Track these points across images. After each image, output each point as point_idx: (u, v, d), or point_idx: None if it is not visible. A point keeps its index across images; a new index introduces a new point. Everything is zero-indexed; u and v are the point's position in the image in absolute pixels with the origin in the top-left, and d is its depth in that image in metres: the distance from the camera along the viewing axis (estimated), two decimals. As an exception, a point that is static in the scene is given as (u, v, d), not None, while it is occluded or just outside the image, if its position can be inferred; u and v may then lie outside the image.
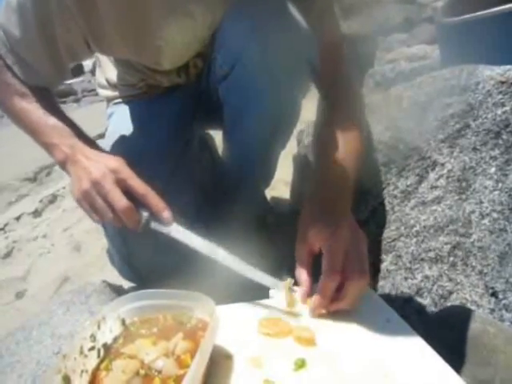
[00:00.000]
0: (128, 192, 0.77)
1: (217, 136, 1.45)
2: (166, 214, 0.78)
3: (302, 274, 0.76)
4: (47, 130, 0.86)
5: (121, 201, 0.75)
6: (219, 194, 1.29)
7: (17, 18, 0.82)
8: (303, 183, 1.42)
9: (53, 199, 2.46)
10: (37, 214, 2.32)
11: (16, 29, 0.83)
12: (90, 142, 0.87)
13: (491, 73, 1.02)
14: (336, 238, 0.72)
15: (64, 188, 2.57)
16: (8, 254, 1.93)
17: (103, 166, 0.78)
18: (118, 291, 1.06)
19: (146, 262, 1.04)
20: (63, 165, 0.85)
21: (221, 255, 0.77)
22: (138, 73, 1.15)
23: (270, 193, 1.40)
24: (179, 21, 0.91)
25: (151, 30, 0.90)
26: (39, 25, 0.82)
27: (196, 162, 1.22)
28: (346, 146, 0.89)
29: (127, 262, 1.07)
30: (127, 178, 0.77)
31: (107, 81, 1.24)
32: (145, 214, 0.78)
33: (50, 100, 0.92)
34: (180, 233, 0.79)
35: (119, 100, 1.23)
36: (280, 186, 1.61)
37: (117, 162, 0.79)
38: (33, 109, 0.88)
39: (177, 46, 0.97)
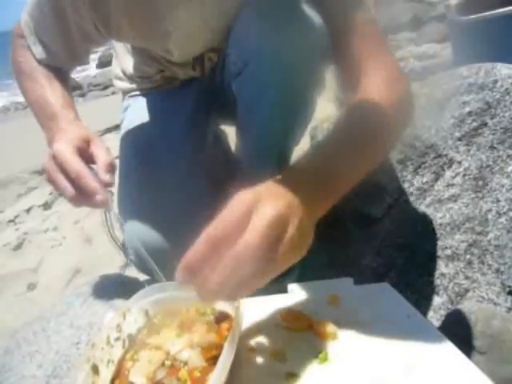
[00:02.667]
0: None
1: (229, 131, 1.46)
2: (98, 197, 0.74)
3: None
4: (39, 112, 0.91)
5: (65, 189, 0.75)
6: (232, 189, 1.29)
7: (36, 3, 0.87)
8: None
9: (62, 192, 2.46)
10: (47, 206, 2.33)
11: (36, 12, 0.89)
12: (57, 118, 0.87)
13: (509, 71, 1.02)
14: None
15: (74, 181, 2.58)
16: (19, 246, 1.94)
17: (48, 152, 0.78)
18: (135, 283, 1.07)
19: (158, 256, 1.04)
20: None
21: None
22: (155, 63, 1.15)
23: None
24: (187, 5, 0.91)
25: (160, 13, 0.91)
26: (54, 10, 0.86)
27: (210, 156, 1.22)
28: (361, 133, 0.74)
29: (140, 255, 1.07)
30: (62, 162, 0.75)
31: (123, 72, 1.24)
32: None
33: (55, 79, 0.95)
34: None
35: (135, 93, 1.23)
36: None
37: (58, 143, 0.78)
38: (33, 89, 0.92)
39: (185, 31, 0.97)
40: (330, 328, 0.67)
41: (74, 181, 0.74)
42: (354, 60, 0.89)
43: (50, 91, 0.91)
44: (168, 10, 0.90)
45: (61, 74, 0.97)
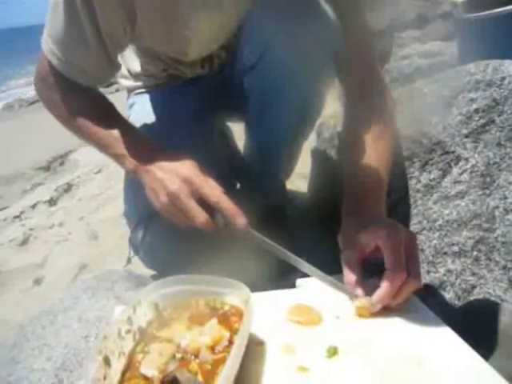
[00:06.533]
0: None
1: (234, 128, 1.46)
2: (240, 220, 0.76)
3: (355, 279, 0.75)
4: (112, 142, 0.88)
5: (198, 216, 0.76)
6: (240, 184, 1.29)
7: (64, 18, 0.82)
8: (322, 177, 1.43)
9: (68, 188, 2.47)
10: (52, 202, 2.34)
11: (64, 30, 0.84)
12: (154, 147, 0.87)
13: (517, 68, 1.02)
14: (396, 236, 0.72)
15: (79, 177, 2.59)
16: (25, 242, 1.95)
17: (176, 178, 0.78)
18: (141, 278, 1.07)
19: (167, 252, 1.04)
20: (134, 174, 0.86)
21: (299, 264, 0.80)
22: (161, 63, 1.15)
23: (287, 185, 1.40)
24: (208, 11, 0.92)
25: (181, 20, 0.91)
26: (87, 17, 0.81)
27: (217, 153, 1.23)
28: (376, 146, 0.91)
29: (149, 251, 1.08)
30: (199, 187, 0.77)
31: (129, 71, 1.24)
32: (221, 220, 0.78)
33: (107, 107, 0.94)
34: (257, 239, 0.80)
35: (140, 90, 1.23)
36: (297, 179, 1.62)
37: (187, 169, 0.79)
38: (93, 124, 0.89)
39: (204, 36, 0.98)
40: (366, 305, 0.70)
41: (209, 206, 0.77)
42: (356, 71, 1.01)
43: (112, 120, 0.90)
44: (189, 16, 0.90)
45: (105, 101, 0.95)
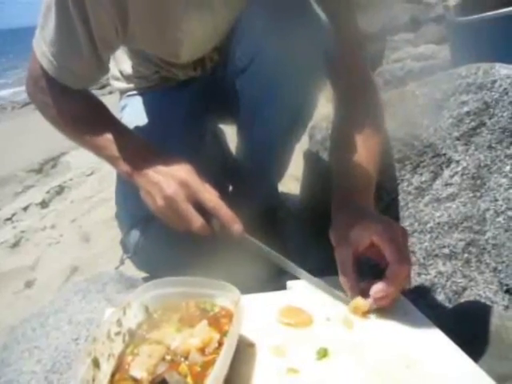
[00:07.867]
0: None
1: (227, 130, 1.46)
2: (236, 226, 0.77)
3: (350, 277, 0.75)
4: (107, 144, 0.87)
5: (194, 221, 0.76)
6: (232, 187, 1.29)
7: (56, 20, 0.82)
8: (314, 179, 1.43)
9: (60, 190, 2.47)
10: (44, 204, 2.33)
11: (56, 32, 0.83)
12: (149, 149, 0.87)
13: (508, 71, 1.02)
14: (392, 230, 0.74)
15: (71, 180, 2.58)
16: (16, 244, 1.94)
17: (172, 181, 0.78)
18: (132, 280, 1.07)
19: (161, 254, 1.04)
20: (129, 177, 0.85)
21: (294, 270, 0.81)
22: (153, 65, 1.15)
23: (279, 188, 1.41)
24: (200, 14, 0.92)
25: (173, 22, 0.91)
26: (78, 19, 0.81)
27: (209, 155, 1.22)
28: (366, 144, 0.92)
29: (143, 253, 1.07)
30: (196, 191, 0.77)
31: (121, 72, 1.24)
32: (217, 224, 0.78)
33: (101, 109, 0.94)
34: (252, 245, 0.80)
35: (132, 92, 1.23)
36: (290, 181, 1.62)
37: (184, 173, 0.79)
38: (87, 126, 0.89)
39: (196, 38, 0.98)
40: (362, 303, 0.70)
41: (205, 210, 0.77)
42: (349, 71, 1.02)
43: (107, 123, 0.90)
44: (181, 19, 0.90)
45: (99, 104, 0.95)
